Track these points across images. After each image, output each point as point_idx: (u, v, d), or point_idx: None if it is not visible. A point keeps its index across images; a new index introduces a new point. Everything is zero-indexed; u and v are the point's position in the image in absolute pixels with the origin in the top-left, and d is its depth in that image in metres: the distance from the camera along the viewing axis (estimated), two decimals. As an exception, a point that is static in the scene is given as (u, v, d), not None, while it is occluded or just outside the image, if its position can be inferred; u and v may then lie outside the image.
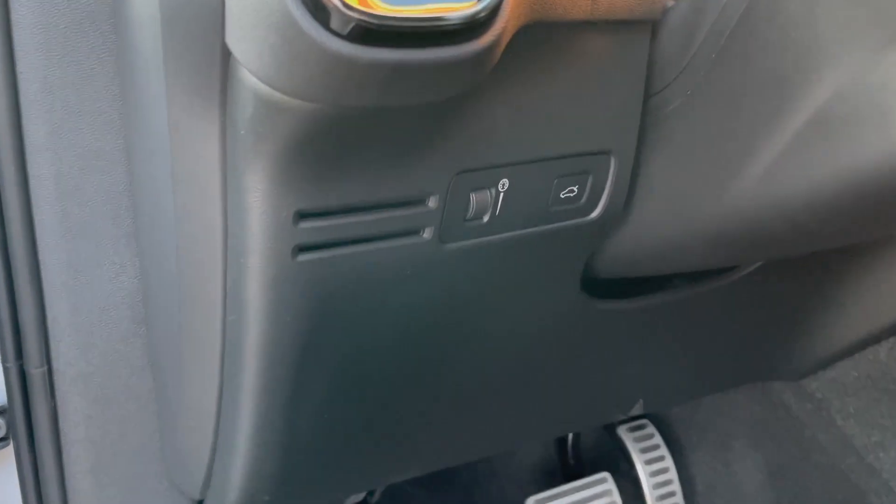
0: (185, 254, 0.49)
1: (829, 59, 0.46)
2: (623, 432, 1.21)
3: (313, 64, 0.35)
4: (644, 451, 1.21)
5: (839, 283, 0.86)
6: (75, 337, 0.59)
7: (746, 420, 1.17)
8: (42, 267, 0.57)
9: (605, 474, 1.13)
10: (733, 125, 0.53)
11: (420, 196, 0.49)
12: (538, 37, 0.48)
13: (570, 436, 1.20)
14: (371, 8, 0.34)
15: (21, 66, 0.52)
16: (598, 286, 0.71)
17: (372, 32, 0.35)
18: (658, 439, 1.21)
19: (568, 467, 1.21)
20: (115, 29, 0.51)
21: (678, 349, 0.85)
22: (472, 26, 0.37)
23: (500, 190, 0.53)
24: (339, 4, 0.34)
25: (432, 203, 0.50)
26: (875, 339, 0.90)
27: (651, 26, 0.54)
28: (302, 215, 0.45)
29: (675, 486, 1.17)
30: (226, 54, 0.39)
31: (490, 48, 0.38)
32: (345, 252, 0.47)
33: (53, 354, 0.60)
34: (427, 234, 0.51)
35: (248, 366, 0.50)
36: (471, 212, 0.52)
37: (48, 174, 0.55)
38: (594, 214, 0.59)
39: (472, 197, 0.51)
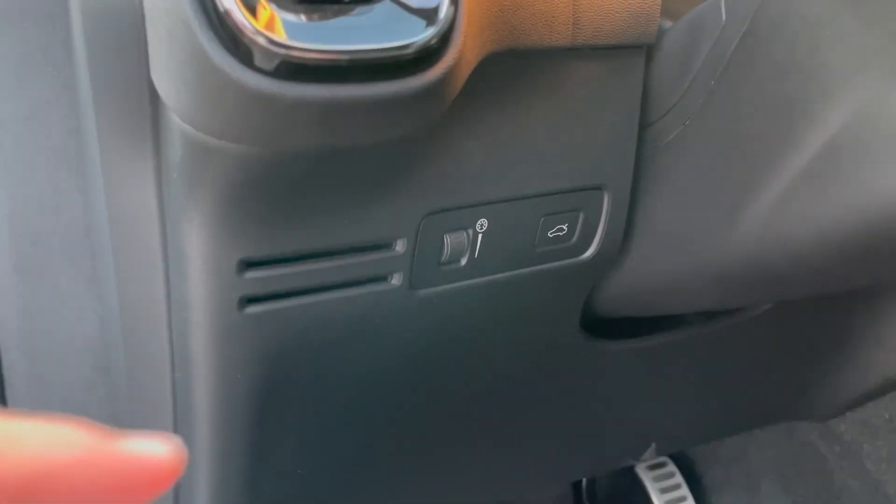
0: (127, 303, 0.45)
1: (841, 85, 0.41)
2: (641, 471, 1.16)
3: (232, 102, 0.31)
4: (664, 490, 1.16)
5: (866, 317, 0.79)
6: (33, 386, 0.56)
7: (774, 459, 1.11)
8: None
9: (622, 517, 1.08)
10: (736, 157, 0.48)
11: (385, 240, 0.44)
12: (514, 65, 0.43)
13: (585, 478, 1.15)
14: (298, 42, 0.30)
15: None
16: (602, 324, 0.66)
17: (301, 68, 0.31)
18: (679, 478, 1.16)
19: (583, 508, 1.16)
20: (69, 59, 0.48)
21: (691, 390, 0.79)
22: (418, 58, 0.32)
23: (478, 231, 0.48)
24: (261, 40, 0.30)
25: (400, 247, 0.45)
26: (908, 379, 0.83)
27: (645, 51, 0.49)
28: (248, 264, 0.40)
29: (697, 531, 1.12)
30: (154, 91, 0.35)
31: (440, 82, 0.34)
32: (301, 302, 0.43)
33: (10, 403, 0.56)
34: (396, 280, 0.46)
35: (200, 428, 0.46)
36: (445, 255, 0.48)
37: (1, 214, 0.51)
38: (587, 254, 0.54)
39: (447, 239, 0.47)
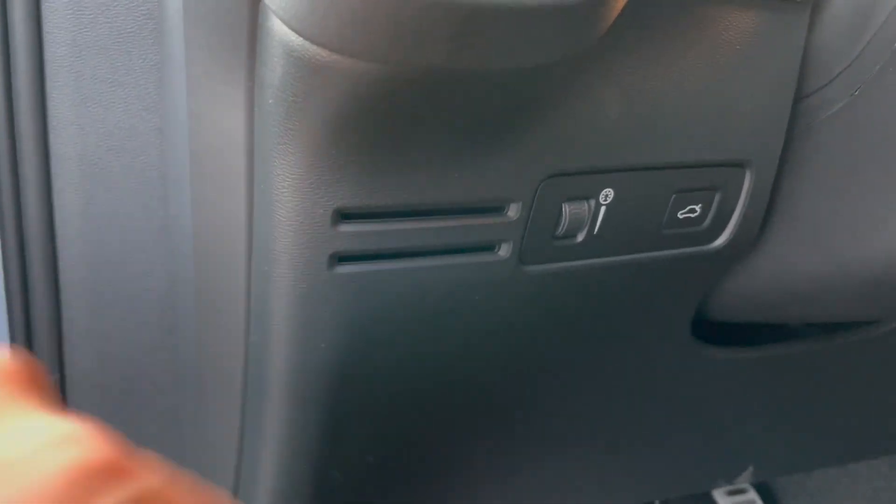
0: (203, 258, 0.40)
1: None
2: (720, 496, 1.07)
3: (355, 2, 0.25)
4: (743, 519, 1.07)
5: None
6: (93, 344, 0.51)
7: (868, 496, 1.01)
8: (60, 261, 0.49)
9: (696, 543, 1.00)
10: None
11: (498, 202, 0.38)
12: (671, 10, 0.37)
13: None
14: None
15: (48, 25, 0.44)
16: (708, 329, 0.58)
17: None
18: (760, 507, 1.08)
19: (654, 531, 1.08)
20: None
21: (801, 411, 0.71)
22: None
23: (601, 202, 0.42)
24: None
25: (513, 212, 0.39)
26: None
27: (810, 5, 0.42)
28: (343, 216, 0.35)
29: (778, 568, 1.04)
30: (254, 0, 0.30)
31: (599, 2, 0.27)
32: (398, 266, 0.37)
33: (67, 361, 0.52)
34: (504, 251, 0.40)
35: (273, 399, 0.40)
36: (562, 228, 0.41)
37: (72, 153, 0.47)
38: (719, 242, 0.47)
39: (566, 209, 0.41)
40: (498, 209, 0.39)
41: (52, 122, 0.46)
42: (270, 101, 0.31)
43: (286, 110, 0.31)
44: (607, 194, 0.42)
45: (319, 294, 0.36)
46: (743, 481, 0.76)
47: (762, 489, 1.10)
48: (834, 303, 0.50)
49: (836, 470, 1.05)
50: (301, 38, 0.28)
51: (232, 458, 0.48)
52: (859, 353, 0.66)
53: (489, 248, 0.40)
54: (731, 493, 1.09)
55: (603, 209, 0.42)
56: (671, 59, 0.39)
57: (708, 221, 0.46)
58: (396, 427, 0.47)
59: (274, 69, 0.30)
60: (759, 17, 0.41)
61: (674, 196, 0.44)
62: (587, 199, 0.41)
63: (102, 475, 0.19)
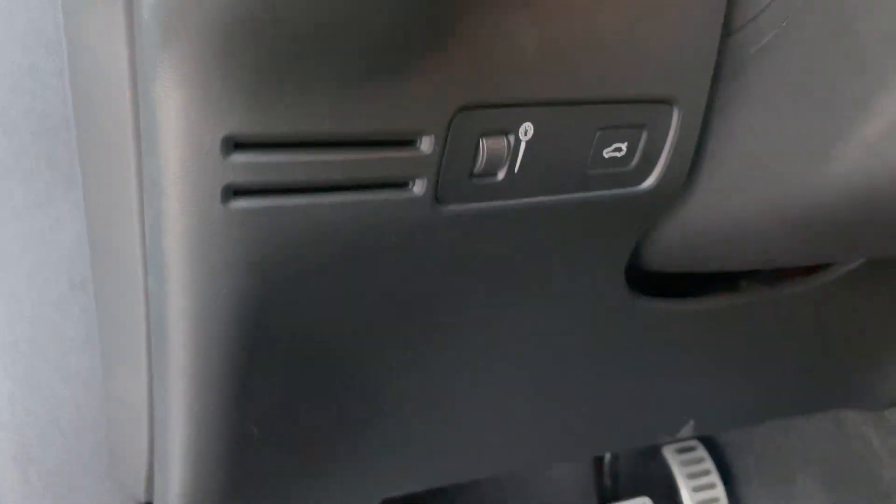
0: (94, 195, 0.37)
1: None
2: (669, 454, 1.09)
3: None
4: (692, 476, 1.09)
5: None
6: (1, 302, 0.49)
7: (815, 451, 1.03)
8: None
9: (646, 500, 1.02)
10: (847, 66, 0.39)
11: (409, 134, 0.36)
12: None
13: (608, 454, 1.07)
14: None
15: None
16: (647, 280, 0.57)
17: None
18: (709, 464, 1.09)
19: (604, 489, 1.09)
20: None
21: (741, 364, 0.71)
22: None
23: (521, 138, 0.40)
24: None
25: (425, 146, 0.37)
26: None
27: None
28: (236, 144, 0.32)
29: (726, 521, 1.05)
30: None
31: None
32: (300, 202, 0.35)
33: None
34: (418, 188, 0.38)
35: (175, 349, 0.38)
36: (480, 164, 0.39)
37: None
38: (647, 184, 0.46)
39: (483, 144, 0.39)
40: (409, 142, 0.37)
41: None
42: (146, 17, 0.29)
43: (161, 26, 0.29)
44: (527, 129, 0.40)
45: (215, 232, 0.34)
46: (685, 434, 0.76)
47: (710, 445, 1.11)
48: (767, 247, 0.49)
49: (782, 429, 1.06)
50: None
51: (142, 418, 0.46)
52: (802, 304, 0.66)
53: (402, 184, 0.38)
54: (681, 450, 1.10)
55: (523, 145, 0.40)
56: None
57: (635, 161, 0.44)
58: (313, 378, 0.45)
59: None
60: None
61: (598, 133, 0.42)
62: (506, 133, 0.39)
63: None
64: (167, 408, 0.42)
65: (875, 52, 0.38)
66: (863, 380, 0.79)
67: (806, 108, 0.41)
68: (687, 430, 0.76)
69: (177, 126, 0.31)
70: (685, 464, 1.09)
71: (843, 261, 0.60)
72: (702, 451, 1.11)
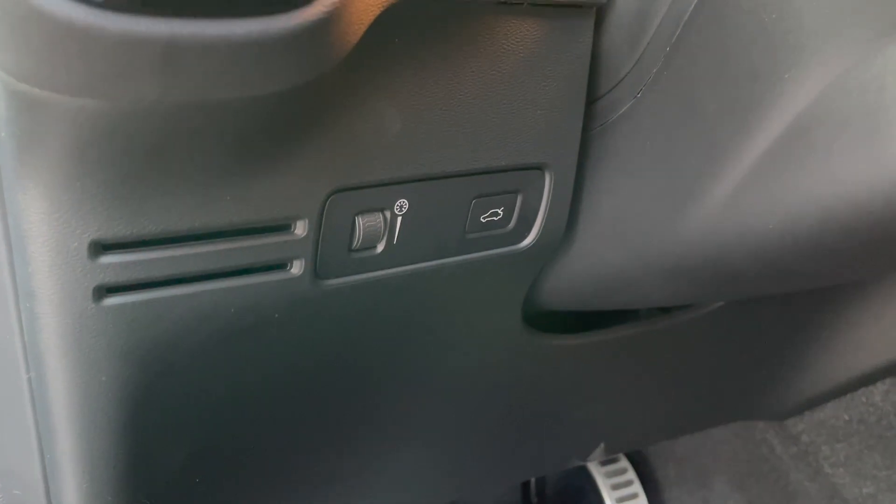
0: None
1: (813, 51, 0.36)
2: (594, 467, 1.12)
3: (41, 40, 0.24)
4: (616, 487, 1.12)
5: (832, 315, 0.75)
6: None
7: (728, 457, 1.07)
8: None
9: (571, 515, 1.03)
10: (692, 136, 0.42)
11: (281, 221, 0.38)
12: (438, 15, 0.37)
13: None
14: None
15: None
16: (547, 318, 0.60)
17: None
18: (631, 474, 1.13)
19: (530, 505, 1.11)
20: None
21: (642, 388, 0.74)
22: None
23: (396, 213, 0.42)
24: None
25: (300, 230, 0.38)
26: (869, 379, 0.79)
27: (594, 12, 0.43)
28: (103, 246, 0.33)
29: (648, 527, 1.08)
30: None
31: (320, 25, 0.27)
32: (175, 293, 0.36)
33: None
34: (296, 268, 0.40)
35: (62, 438, 0.39)
36: (357, 240, 0.41)
37: None
38: (526, 242, 0.48)
39: (359, 222, 0.40)
40: (283, 227, 0.38)
41: None
42: (2, 134, 0.30)
43: (17, 144, 0.29)
44: (402, 205, 0.42)
45: (89, 328, 0.35)
46: (596, 458, 0.79)
47: (632, 457, 1.14)
48: (640, 292, 0.52)
49: (698, 436, 1.10)
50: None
51: (42, 493, 0.46)
52: (688, 333, 0.69)
53: (280, 266, 0.39)
54: (605, 463, 1.13)
55: (399, 219, 0.42)
56: (452, 70, 0.39)
57: (513, 223, 0.47)
58: (206, 451, 0.46)
59: None
60: (542, 24, 0.41)
61: (474, 201, 0.44)
62: (381, 210, 0.41)
63: None
64: (59, 486, 0.42)
65: (718, 122, 0.41)
66: (760, 393, 0.83)
67: (661, 171, 0.44)
68: (597, 453, 0.79)
69: (43, 233, 0.32)
70: (609, 475, 1.12)
71: (706, 304, 0.64)
72: (625, 462, 1.14)
